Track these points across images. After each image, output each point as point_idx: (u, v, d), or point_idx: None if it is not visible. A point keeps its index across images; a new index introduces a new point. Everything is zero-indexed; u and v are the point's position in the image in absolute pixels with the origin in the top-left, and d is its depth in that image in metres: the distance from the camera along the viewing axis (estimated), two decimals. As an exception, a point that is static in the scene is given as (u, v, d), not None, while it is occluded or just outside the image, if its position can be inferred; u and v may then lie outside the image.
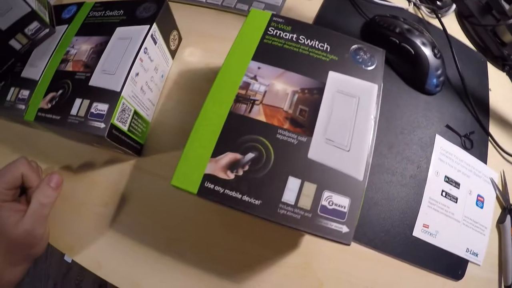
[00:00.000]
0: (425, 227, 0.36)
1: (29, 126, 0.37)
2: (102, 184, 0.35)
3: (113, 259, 0.32)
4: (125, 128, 0.32)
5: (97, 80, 0.32)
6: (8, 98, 0.34)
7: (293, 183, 0.23)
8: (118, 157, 0.36)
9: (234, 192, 0.23)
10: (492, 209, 0.40)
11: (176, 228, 0.33)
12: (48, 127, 0.33)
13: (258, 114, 0.25)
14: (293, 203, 0.23)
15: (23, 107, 0.33)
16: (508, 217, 0.39)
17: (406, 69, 0.41)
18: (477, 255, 0.37)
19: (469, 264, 0.37)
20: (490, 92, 0.45)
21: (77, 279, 0.79)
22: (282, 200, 0.23)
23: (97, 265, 0.32)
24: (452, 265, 0.36)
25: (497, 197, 0.40)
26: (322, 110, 0.25)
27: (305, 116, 0.25)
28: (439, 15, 0.45)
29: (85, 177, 0.36)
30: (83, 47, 0.34)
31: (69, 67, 0.33)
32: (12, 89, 0.35)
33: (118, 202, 0.34)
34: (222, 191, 0.23)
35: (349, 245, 0.22)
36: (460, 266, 0.36)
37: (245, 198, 0.23)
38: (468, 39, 0.48)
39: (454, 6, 0.47)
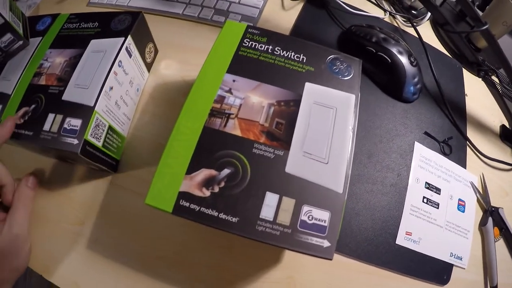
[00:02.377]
0: (408, 234, 0.36)
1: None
2: (77, 201, 0.34)
3: (90, 280, 0.31)
4: (99, 144, 0.31)
5: (70, 94, 0.31)
6: None
7: (271, 199, 0.22)
8: (94, 173, 0.35)
9: (210, 210, 0.22)
10: (473, 212, 0.40)
11: (154, 246, 0.32)
12: (21, 143, 0.31)
13: (233, 128, 0.24)
14: (271, 219, 0.22)
15: None
16: (490, 219, 0.40)
17: (383, 77, 0.41)
18: (461, 258, 0.37)
19: (454, 268, 0.37)
20: (466, 97, 0.46)
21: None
22: (260, 216, 0.22)
23: (74, 286, 0.31)
24: (437, 270, 0.36)
25: (478, 200, 0.41)
26: (299, 123, 0.25)
27: (282, 129, 0.25)
28: (414, 24, 0.46)
29: (59, 194, 0.34)
30: (57, 60, 0.33)
31: (43, 81, 0.32)
32: None
33: (94, 220, 0.33)
34: (197, 209, 0.22)
35: (331, 259, 0.22)
36: (445, 271, 0.36)
37: (222, 215, 0.22)
38: (443, 46, 0.50)
39: (428, 15, 0.48)
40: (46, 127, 0.30)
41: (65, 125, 0.29)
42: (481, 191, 0.42)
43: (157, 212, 0.31)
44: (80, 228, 0.33)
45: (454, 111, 0.43)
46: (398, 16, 0.49)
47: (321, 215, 0.22)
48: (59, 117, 0.30)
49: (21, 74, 0.34)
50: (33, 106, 0.31)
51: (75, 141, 0.29)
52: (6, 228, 0.28)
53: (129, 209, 0.33)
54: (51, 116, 0.30)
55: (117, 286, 0.31)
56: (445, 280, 0.36)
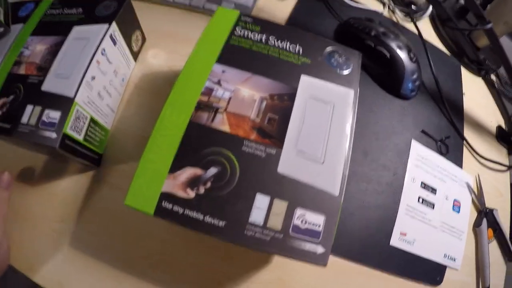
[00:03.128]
0: (403, 235, 0.35)
1: None
2: (59, 197, 0.32)
3: (74, 279, 0.30)
4: (80, 137, 0.29)
5: (50, 84, 0.29)
6: None
7: (261, 201, 0.21)
8: (76, 167, 0.33)
9: (195, 213, 0.20)
10: (468, 213, 0.39)
11: (138, 244, 0.31)
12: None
13: (221, 123, 0.22)
14: (261, 224, 0.20)
15: None
16: (484, 220, 0.39)
17: (381, 73, 0.40)
18: (455, 260, 0.37)
19: (447, 269, 0.36)
20: (464, 97, 0.45)
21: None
22: (250, 220, 0.20)
23: (58, 285, 0.30)
24: (430, 271, 0.36)
25: (473, 201, 0.40)
26: (293, 119, 0.23)
27: (275, 126, 0.23)
28: (414, 19, 0.44)
29: (41, 190, 0.33)
30: (38, 47, 0.31)
31: (22, 70, 0.30)
32: None
33: (77, 217, 0.32)
34: (181, 211, 0.20)
35: (325, 266, 0.20)
36: (438, 272, 0.36)
37: (208, 219, 0.20)
38: (442, 43, 0.48)
39: (428, 10, 0.46)
40: (24, 119, 0.28)
41: (44, 118, 0.27)
42: (476, 192, 0.41)
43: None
44: (62, 225, 0.31)
45: (452, 109, 0.42)
46: (397, 11, 0.47)
47: (315, 219, 0.21)
48: (38, 109, 0.28)
49: (1, 63, 0.31)
50: (11, 97, 0.29)
51: (54, 135, 0.27)
52: None
53: (113, 206, 0.32)
54: (29, 108, 0.28)
55: (100, 285, 0.30)
56: (438, 281, 0.35)
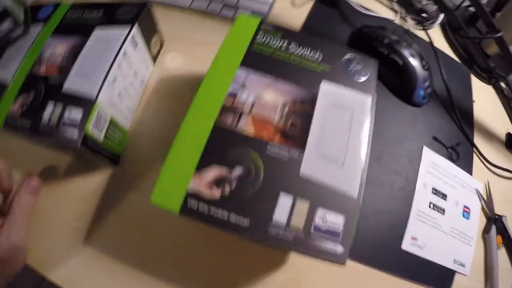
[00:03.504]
0: (414, 239, 0.35)
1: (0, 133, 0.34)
2: (76, 196, 0.33)
3: (88, 278, 0.30)
4: (100, 137, 0.30)
5: (71, 84, 0.29)
6: None
7: (284, 201, 0.21)
8: (94, 167, 0.34)
9: (220, 212, 0.21)
10: (477, 220, 0.40)
11: (155, 244, 0.31)
12: (19, 134, 0.30)
13: (246, 126, 0.23)
14: (284, 223, 0.21)
15: None
16: (493, 226, 0.40)
17: (394, 80, 0.40)
18: (464, 265, 0.37)
19: (456, 275, 0.36)
20: (474, 104, 0.46)
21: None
22: (273, 220, 0.21)
23: (71, 284, 0.30)
24: (439, 276, 0.36)
25: (482, 208, 0.41)
26: (314, 123, 0.24)
27: (297, 129, 0.24)
28: (425, 27, 0.45)
29: (58, 188, 0.33)
30: (58, 49, 0.32)
31: (43, 70, 0.31)
32: None
33: (93, 215, 0.32)
34: (207, 210, 0.21)
35: (344, 264, 0.21)
36: (448, 277, 0.36)
37: (233, 218, 0.21)
38: (453, 51, 0.49)
39: (439, 18, 0.47)
40: (45, 118, 0.28)
41: (65, 116, 0.28)
42: (485, 198, 0.41)
43: (157, 209, 0.30)
44: (78, 223, 0.32)
45: (462, 117, 0.43)
46: (408, 19, 0.48)
47: (336, 219, 0.22)
48: (59, 108, 0.28)
49: (20, 63, 0.32)
50: (32, 96, 0.30)
51: (75, 133, 0.27)
52: (4, 237, 0.26)
53: (129, 205, 0.32)
54: (50, 107, 0.29)
55: (114, 283, 0.30)
56: (447, 286, 0.36)
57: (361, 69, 0.27)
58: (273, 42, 0.27)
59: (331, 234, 0.21)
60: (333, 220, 0.22)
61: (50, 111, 0.29)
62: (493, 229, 0.40)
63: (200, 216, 0.21)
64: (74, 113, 0.28)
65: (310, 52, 0.27)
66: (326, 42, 0.28)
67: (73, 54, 0.31)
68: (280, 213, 0.21)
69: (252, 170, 0.22)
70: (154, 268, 0.30)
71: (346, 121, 0.24)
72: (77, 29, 0.33)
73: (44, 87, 0.30)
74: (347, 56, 0.28)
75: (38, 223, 0.32)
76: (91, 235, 0.31)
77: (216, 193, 0.21)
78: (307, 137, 0.23)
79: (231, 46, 0.27)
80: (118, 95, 0.32)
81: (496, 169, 0.43)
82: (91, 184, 0.33)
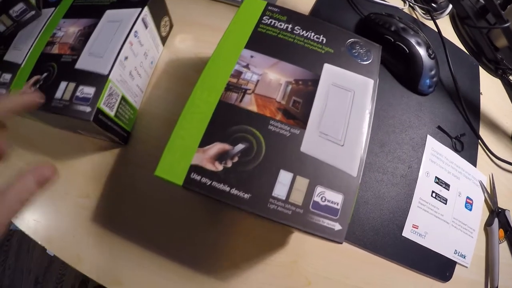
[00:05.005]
0: (415, 227, 0.36)
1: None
2: (85, 174, 0.34)
3: (93, 253, 0.31)
4: (112, 113, 0.31)
5: (84, 63, 0.30)
6: None
7: (284, 177, 0.22)
8: (103, 146, 0.35)
9: (222, 185, 0.21)
10: (480, 212, 0.40)
11: (159, 223, 0.32)
12: (32, 112, 0.31)
13: (249, 103, 0.24)
14: (284, 198, 0.22)
15: (3, 91, 0.31)
16: (496, 220, 0.39)
17: (400, 68, 0.40)
18: (464, 257, 0.37)
19: (457, 266, 0.37)
20: (481, 96, 0.45)
21: (59, 273, 0.77)
22: (273, 194, 0.22)
23: (76, 259, 0.31)
24: (440, 266, 0.36)
25: (486, 200, 0.41)
26: (316, 103, 0.24)
27: (299, 108, 0.24)
28: (434, 16, 0.45)
29: (67, 166, 0.34)
30: (71, 29, 0.33)
31: (55, 50, 0.32)
32: None
33: (101, 193, 0.33)
34: (209, 183, 0.21)
35: (341, 243, 0.22)
36: (448, 268, 0.36)
37: (234, 191, 0.21)
38: (461, 42, 0.48)
39: (448, 8, 0.47)
40: (58, 95, 0.29)
41: (78, 93, 0.29)
42: (489, 191, 0.41)
43: (163, 187, 0.31)
44: (86, 200, 0.33)
45: (468, 108, 0.43)
46: (417, 8, 0.47)
47: (334, 198, 0.22)
48: (72, 85, 0.29)
49: (33, 44, 0.33)
50: (45, 74, 0.31)
51: (88, 109, 0.28)
52: None
53: (136, 184, 0.33)
54: (63, 84, 0.30)
55: (120, 260, 0.31)
56: (447, 277, 0.36)
57: (365, 53, 0.27)
58: (279, 24, 0.28)
59: (329, 211, 0.22)
60: (332, 198, 0.22)
61: (63, 88, 0.29)
62: (496, 222, 0.39)
63: (202, 188, 0.21)
64: (87, 90, 0.29)
65: (315, 35, 0.27)
66: (331, 27, 0.28)
67: (85, 35, 0.32)
68: (280, 189, 0.22)
69: (254, 146, 0.22)
70: (158, 246, 0.31)
71: (348, 102, 0.25)
72: (89, 10, 0.34)
73: (57, 66, 0.31)
74: (351, 39, 0.28)
75: (46, 200, 0.32)
76: (99, 212, 0.32)
77: (219, 167, 0.22)
78: (308, 115, 0.24)
79: (238, 27, 0.27)
80: (129, 74, 0.33)
81: (501, 162, 0.43)
82: (101, 162, 0.34)
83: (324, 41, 0.27)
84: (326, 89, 0.25)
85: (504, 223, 0.40)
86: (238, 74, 0.25)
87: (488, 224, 0.40)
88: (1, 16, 0.33)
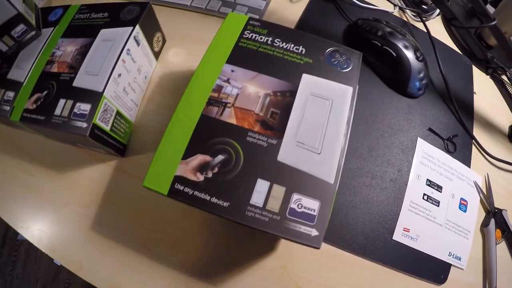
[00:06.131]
0: (406, 230, 0.36)
1: (14, 127, 0.37)
2: (84, 185, 0.35)
3: (94, 260, 0.32)
4: (107, 128, 0.32)
5: (80, 81, 0.32)
6: None
7: (261, 186, 0.23)
8: (101, 158, 0.37)
9: (203, 194, 0.23)
10: (475, 213, 0.40)
11: (154, 229, 0.34)
12: (33, 127, 0.33)
13: (229, 117, 0.25)
14: (261, 206, 0.23)
15: (8, 108, 0.33)
16: (492, 220, 0.39)
17: (389, 72, 0.41)
18: (460, 259, 0.37)
19: (452, 268, 0.36)
20: (474, 95, 0.45)
21: (66, 282, 0.80)
22: (250, 202, 0.23)
23: (78, 266, 0.32)
24: (434, 269, 0.36)
25: (481, 201, 0.40)
26: (293, 113, 0.25)
27: (276, 119, 0.25)
28: (424, 18, 0.45)
29: (67, 178, 0.36)
30: (69, 48, 0.35)
31: (55, 68, 0.34)
32: None
33: (100, 203, 0.35)
34: (191, 192, 0.23)
35: (318, 248, 0.22)
36: (443, 270, 0.36)
37: (214, 200, 0.23)
38: (454, 42, 0.48)
39: (437, 10, 0.47)
40: (57, 111, 0.31)
41: (75, 110, 0.31)
42: (485, 191, 0.41)
43: (158, 196, 0.32)
44: (85, 210, 0.34)
45: (461, 108, 0.43)
46: (407, 11, 0.48)
47: (311, 204, 0.23)
48: (70, 102, 0.31)
49: (34, 63, 0.35)
50: (45, 92, 0.32)
51: (84, 125, 0.30)
52: None
53: (132, 193, 0.35)
54: (62, 102, 0.31)
55: (119, 266, 0.32)
56: (442, 280, 0.36)
57: (344, 61, 0.28)
58: (259, 38, 0.29)
59: (306, 218, 0.23)
60: (308, 204, 0.23)
61: (62, 105, 0.31)
62: (492, 222, 0.39)
63: (185, 197, 0.23)
64: (83, 107, 0.31)
65: (294, 47, 0.28)
66: (311, 37, 0.29)
67: (82, 53, 0.34)
68: (257, 197, 0.23)
69: (233, 157, 0.24)
70: (152, 251, 0.33)
71: (326, 111, 0.26)
72: (85, 29, 0.36)
73: (56, 84, 0.33)
74: (330, 48, 0.28)
75: (48, 210, 0.34)
76: (97, 220, 0.34)
77: (200, 177, 0.23)
78: (286, 125, 0.25)
79: (220, 42, 0.28)
80: (123, 90, 0.35)
81: (496, 161, 0.43)
82: (99, 174, 0.36)
83: (303, 52, 0.28)
84: (304, 99, 0.26)
85: (501, 224, 0.39)
86: (219, 88, 0.26)
87: (484, 225, 0.39)
88: (3, 37, 0.35)
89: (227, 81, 0.26)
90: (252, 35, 0.29)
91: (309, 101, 0.26)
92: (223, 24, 0.29)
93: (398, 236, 0.35)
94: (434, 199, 0.38)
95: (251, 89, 0.26)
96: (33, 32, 0.37)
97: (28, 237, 0.33)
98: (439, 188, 0.38)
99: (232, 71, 0.27)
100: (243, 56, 0.28)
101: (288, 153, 0.24)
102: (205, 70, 0.27)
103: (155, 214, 0.34)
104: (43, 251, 0.33)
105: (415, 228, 0.36)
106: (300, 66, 0.27)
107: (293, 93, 0.26)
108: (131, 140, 0.37)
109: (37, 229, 0.33)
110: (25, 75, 0.34)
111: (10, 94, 0.34)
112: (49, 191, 0.35)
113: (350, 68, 0.28)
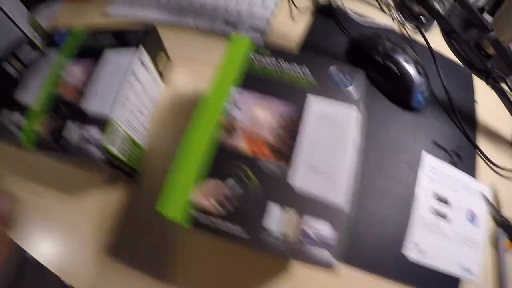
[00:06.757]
0: (416, 246, 0.36)
1: (22, 148, 0.37)
2: (95, 208, 0.35)
3: (106, 283, 0.32)
4: (117, 152, 0.32)
5: (89, 104, 0.32)
6: (1, 121, 0.34)
7: (274, 211, 0.23)
8: (111, 181, 0.36)
9: (217, 220, 0.23)
10: (484, 224, 0.39)
11: (167, 254, 0.33)
12: (44, 151, 0.33)
13: (239, 141, 0.25)
14: (275, 231, 0.23)
15: (17, 131, 0.33)
16: (502, 231, 0.39)
17: (391, 87, 0.41)
18: (470, 271, 0.37)
19: (464, 282, 0.36)
20: (476, 105, 0.46)
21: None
22: (264, 227, 0.23)
23: (90, 287, 0.32)
24: (445, 283, 0.36)
25: (489, 211, 0.40)
26: (302, 137, 0.25)
27: (286, 143, 0.25)
28: (423, 30, 0.45)
29: (79, 201, 0.36)
30: (76, 71, 0.35)
31: (63, 92, 0.34)
32: (5, 112, 0.35)
33: (112, 226, 0.34)
34: (205, 219, 0.23)
35: (333, 270, 0.22)
36: (454, 284, 0.36)
37: (227, 225, 0.23)
38: (453, 52, 0.49)
39: (435, 22, 0.47)
40: (67, 135, 0.31)
41: (85, 134, 0.31)
42: (493, 202, 0.41)
43: (170, 221, 0.32)
44: (99, 234, 0.34)
45: (464, 119, 0.43)
46: (407, 24, 0.48)
47: (323, 227, 0.23)
48: (79, 126, 0.31)
49: (42, 85, 0.35)
50: (54, 116, 0.33)
51: (95, 149, 0.30)
52: None
53: (144, 217, 0.35)
54: (71, 125, 0.32)
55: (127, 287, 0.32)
56: (453, 293, 0.35)
57: (348, 81, 0.28)
58: (264, 60, 0.29)
59: (319, 241, 0.23)
60: (321, 228, 0.23)
61: (71, 129, 0.31)
62: (502, 233, 0.39)
63: (199, 224, 0.23)
64: (93, 130, 0.31)
65: (298, 68, 0.29)
66: (314, 56, 0.30)
67: (89, 77, 0.34)
68: (271, 222, 0.23)
69: (245, 183, 0.24)
70: (164, 276, 0.32)
71: (332, 133, 0.26)
72: (91, 53, 0.36)
73: (65, 107, 0.33)
74: (334, 68, 0.29)
75: (60, 233, 0.34)
76: (110, 244, 0.34)
77: (213, 203, 0.23)
78: (295, 149, 0.25)
79: (227, 66, 0.29)
80: (131, 112, 0.35)
81: (502, 171, 0.42)
82: (109, 197, 0.36)
83: (308, 72, 0.29)
84: (311, 123, 0.26)
85: (511, 233, 0.39)
86: (228, 114, 0.26)
87: (494, 235, 0.39)
88: (10, 59, 0.35)
89: (236, 105, 0.27)
90: (257, 58, 0.29)
91: (316, 123, 0.26)
92: (228, 47, 0.30)
93: (408, 251, 0.35)
94: (442, 212, 0.38)
95: (259, 113, 0.26)
96: (40, 55, 0.37)
97: (37, 256, 0.33)
98: (446, 201, 0.38)
99: (240, 95, 0.27)
100: (250, 79, 0.28)
101: (299, 177, 0.24)
102: (213, 95, 0.27)
103: (168, 238, 0.34)
104: (53, 270, 0.33)
105: (425, 243, 0.36)
106: (305, 87, 0.28)
107: (300, 115, 0.26)
108: (140, 163, 0.37)
109: (46, 249, 0.33)
110: (33, 98, 0.35)
111: (19, 117, 0.34)
112: (58, 213, 0.35)
113: (354, 86, 0.28)
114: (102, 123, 0.31)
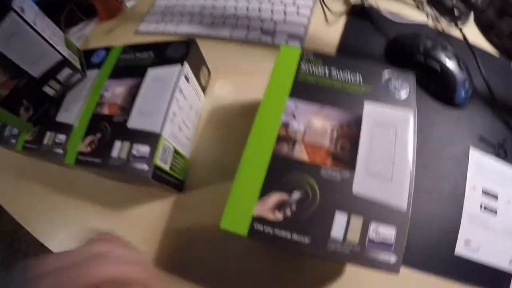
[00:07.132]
0: (467, 243, 0.36)
1: (68, 167, 0.38)
2: (143, 222, 0.36)
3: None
4: (167, 167, 0.33)
5: (135, 122, 0.33)
6: (45, 142, 0.36)
7: (340, 219, 0.24)
8: (158, 194, 0.37)
9: (283, 232, 0.24)
10: (534, 217, 0.39)
11: (218, 264, 0.34)
12: (89, 169, 0.34)
13: (300, 152, 0.26)
14: (341, 239, 0.23)
15: (61, 151, 0.34)
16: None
17: (434, 85, 0.41)
18: (522, 266, 0.36)
19: (514, 276, 0.36)
20: (519, 97, 0.44)
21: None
22: (331, 236, 0.23)
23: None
24: (496, 278, 0.35)
25: (538, 205, 0.39)
26: (361, 144, 0.26)
27: (346, 151, 0.26)
28: (458, 25, 0.45)
29: (126, 215, 0.37)
30: (117, 90, 0.35)
31: (105, 110, 0.34)
32: (48, 133, 0.36)
33: (159, 239, 0.35)
34: (271, 232, 0.24)
35: (398, 273, 0.23)
36: (505, 279, 0.35)
37: (295, 237, 0.23)
38: (491, 44, 0.48)
39: (471, 15, 0.46)
40: (115, 154, 0.32)
41: (134, 151, 0.31)
42: (541, 194, 0.40)
43: (219, 231, 0.33)
44: (146, 247, 0.35)
45: (507, 111, 0.42)
46: (441, 19, 0.47)
47: (388, 232, 0.24)
48: (127, 144, 0.32)
49: (83, 105, 0.36)
50: (99, 134, 0.33)
51: (145, 166, 0.30)
52: None
53: (193, 228, 0.35)
54: (118, 143, 0.32)
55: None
56: (504, 289, 0.35)
57: (400, 85, 0.29)
58: (316, 69, 0.30)
59: (384, 245, 0.23)
60: (385, 232, 0.23)
61: (118, 147, 0.32)
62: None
63: (266, 237, 0.24)
64: (142, 148, 0.31)
65: (351, 75, 0.29)
66: (364, 63, 0.30)
67: (131, 94, 0.34)
68: (337, 230, 0.24)
69: (309, 193, 0.24)
70: (217, 287, 0.33)
71: (391, 138, 0.26)
72: (132, 70, 0.36)
73: (109, 126, 0.33)
74: (386, 74, 0.29)
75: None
76: (157, 256, 0.34)
77: (279, 216, 0.24)
78: (356, 157, 0.25)
79: (278, 77, 0.29)
80: (178, 128, 0.35)
81: (550, 163, 0.41)
82: (157, 210, 0.36)
83: (361, 79, 0.29)
84: (369, 129, 0.27)
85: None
86: (285, 125, 0.27)
87: (545, 229, 0.39)
88: (50, 81, 0.36)
89: (293, 116, 0.27)
90: (308, 67, 0.30)
91: (374, 130, 0.27)
92: (277, 58, 0.30)
93: (460, 249, 0.35)
94: (492, 207, 0.37)
95: (317, 123, 0.27)
96: (79, 75, 0.38)
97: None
98: (495, 196, 0.38)
99: (296, 105, 0.28)
100: (304, 89, 0.29)
101: (362, 184, 0.25)
102: (268, 108, 0.28)
103: (217, 248, 0.34)
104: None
105: (476, 239, 0.36)
106: (360, 94, 0.28)
107: (358, 123, 0.27)
108: (187, 175, 0.38)
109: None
110: (74, 118, 0.35)
111: (61, 137, 0.35)
112: (108, 228, 0.36)
113: (407, 90, 0.28)
114: (151, 140, 0.31)
